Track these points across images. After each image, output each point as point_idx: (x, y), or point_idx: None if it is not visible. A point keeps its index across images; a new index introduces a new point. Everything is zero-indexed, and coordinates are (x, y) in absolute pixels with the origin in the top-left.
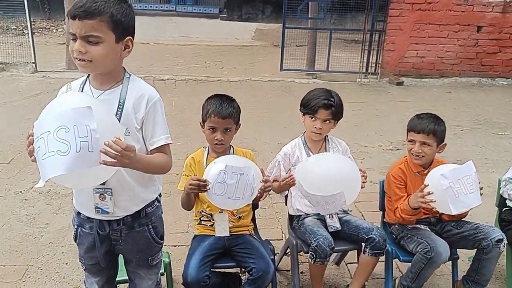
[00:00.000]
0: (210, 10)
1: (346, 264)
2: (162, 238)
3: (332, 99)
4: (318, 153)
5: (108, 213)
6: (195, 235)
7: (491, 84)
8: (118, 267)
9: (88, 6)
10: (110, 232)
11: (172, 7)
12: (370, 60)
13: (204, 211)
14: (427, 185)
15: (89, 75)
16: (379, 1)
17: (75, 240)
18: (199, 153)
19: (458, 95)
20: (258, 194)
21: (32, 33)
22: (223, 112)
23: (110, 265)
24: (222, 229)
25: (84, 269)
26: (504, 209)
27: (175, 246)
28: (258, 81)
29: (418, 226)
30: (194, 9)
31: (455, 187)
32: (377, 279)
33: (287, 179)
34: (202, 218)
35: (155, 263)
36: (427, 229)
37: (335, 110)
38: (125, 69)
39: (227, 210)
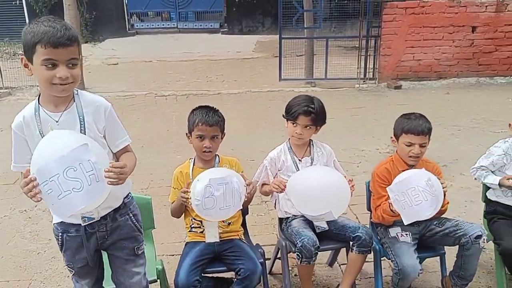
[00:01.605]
0: (211, 25)
1: (339, 265)
2: (141, 227)
3: (313, 106)
4: (303, 157)
5: (93, 219)
6: (186, 242)
7: (489, 83)
8: (104, 268)
9: (69, 34)
10: (97, 229)
11: (174, 24)
12: (368, 66)
13: (194, 218)
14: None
15: (38, 102)
16: (373, 7)
17: (61, 249)
18: (185, 165)
19: (456, 96)
20: (246, 199)
21: None
22: (210, 120)
23: (97, 264)
24: (212, 235)
25: (73, 274)
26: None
27: (173, 255)
28: (257, 92)
29: (397, 236)
30: (195, 25)
31: (400, 199)
32: (370, 278)
33: (278, 184)
34: (192, 226)
35: (140, 252)
36: (405, 241)
37: (315, 116)
38: None
39: None
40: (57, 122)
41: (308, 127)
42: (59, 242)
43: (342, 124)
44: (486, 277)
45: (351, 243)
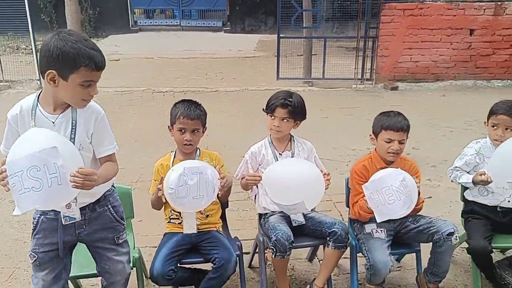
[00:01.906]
0: (214, 24)
1: (319, 261)
2: (122, 219)
3: (290, 99)
4: (283, 152)
5: (75, 219)
6: (165, 233)
7: (486, 86)
8: (70, 267)
9: (104, 58)
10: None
11: (177, 22)
12: (365, 67)
13: (173, 210)
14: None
15: (38, 99)
16: (371, 8)
17: (33, 232)
18: (166, 158)
19: (452, 98)
20: (220, 192)
21: (37, 52)
22: (191, 114)
23: (64, 257)
24: (189, 227)
25: (34, 261)
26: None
27: (155, 247)
28: (254, 90)
29: (372, 232)
30: (198, 23)
31: (374, 197)
32: (347, 274)
33: (253, 176)
34: (171, 217)
35: (121, 242)
36: (379, 238)
37: (292, 109)
38: None
39: None
40: (53, 123)
41: (285, 120)
42: (34, 224)
43: (335, 123)
44: (463, 275)
45: (327, 238)
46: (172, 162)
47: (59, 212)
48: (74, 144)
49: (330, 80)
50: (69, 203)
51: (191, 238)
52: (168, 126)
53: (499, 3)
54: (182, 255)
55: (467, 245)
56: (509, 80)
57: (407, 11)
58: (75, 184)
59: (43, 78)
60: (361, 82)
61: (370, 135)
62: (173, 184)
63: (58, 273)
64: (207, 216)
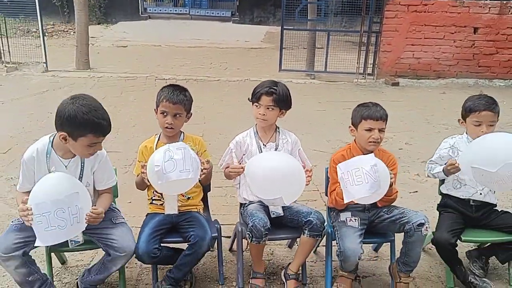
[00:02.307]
0: (223, 14)
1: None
2: (117, 209)
3: (275, 88)
4: (268, 143)
5: (79, 242)
6: (147, 213)
7: (488, 85)
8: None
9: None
10: None
11: (186, 11)
12: (368, 61)
13: (156, 191)
14: None
15: (52, 144)
16: (375, 3)
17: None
18: (151, 140)
19: (452, 96)
20: (202, 175)
21: (44, 35)
22: (174, 98)
23: None
24: (171, 208)
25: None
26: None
27: None
28: (256, 81)
29: (346, 220)
30: (207, 13)
31: (344, 178)
32: (324, 261)
33: (235, 168)
34: (153, 198)
35: (118, 222)
36: (352, 226)
37: (278, 97)
38: None
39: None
40: (66, 166)
41: (270, 108)
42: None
43: (332, 116)
44: (438, 267)
45: (303, 227)
46: (156, 145)
47: None
48: (81, 182)
49: (332, 74)
50: None
51: (172, 218)
52: (154, 109)
53: (504, 1)
54: (164, 234)
55: None
56: (511, 80)
57: (411, 7)
58: (88, 221)
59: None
60: (363, 76)
61: (350, 126)
62: (159, 161)
63: (26, 244)
64: (188, 198)
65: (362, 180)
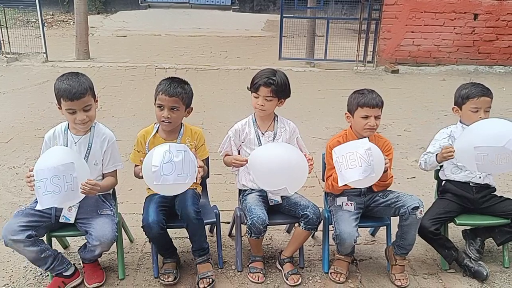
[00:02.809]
0: (223, 2)
1: None
2: (108, 200)
3: (274, 78)
4: (266, 131)
5: (70, 220)
6: (146, 196)
7: (488, 71)
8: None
9: (81, 89)
10: None
11: (186, 0)
12: (368, 49)
13: None
14: None
15: (68, 127)
16: None
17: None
18: (149, 130)
19: (452, 83)
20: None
21: (43, 25)
22: (170, 91)
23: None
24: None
25: (18, 210)
26: (443, 182)
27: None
28: (256, 69)
29: (342, 205)
30: (207, 1)
31: (339, 161)
32: (320, 246)
33: (239, 161)
34: None
35: (103, 214)
36: (348, 210)
37: (276, 88)
38: None
39: None
40: (75, 143)
41: (269, 99)
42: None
43: (331, 104)
44: (433, 251)
45: (299, 219)
46: (153, 137)
47: None
48: (88, 159)
49: (332, 62)
50: (71, 207)
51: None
52: (154, 103)
53: None
54: (167, 212)
55: None
56: (511, 66)
57: None
58: (83, 191)
59: None
60: (363, 64)
61: (346, 113)
62: (157, 161)
63: (29, 227)
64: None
65: (356, 164)
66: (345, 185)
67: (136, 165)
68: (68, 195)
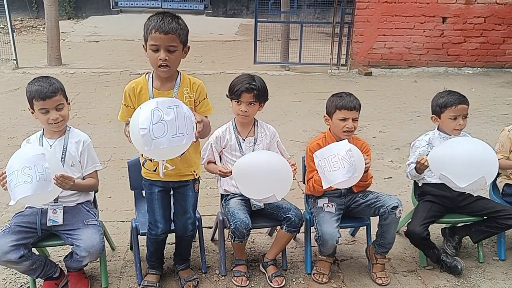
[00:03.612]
0: (196, 7)
1: None
2: (94, 208)
3: (254, 83)
4: (246, 137)
5: (58, 222)
6: (143, 178)
7: (457, 73)
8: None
9: (52, 89)
10: None
11: (158, 4)
12: (341, 52)
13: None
14: None
15: (43, 133)
16: None
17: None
18: (140, 81)
19: (423, 84)
20: (197, 134)
21: (13, 31)
22: (165, 27)
23: (30, 243)
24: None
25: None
26: (420, 183)
27: (123, 221)
28: (231, 73)
29: (323, 206)
30: (180, 6)
31: (322, 165)
32: (303, 247)
33: (223, 172)
34: (145, 160)
35: (89, 224)
36: (329, 211)
37: (258, 93)
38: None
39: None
40: (51, 146)
41: (252, 104)
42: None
43: (307, 107)
44: (412, 249)
45: (282, 222)
46: (152, 89)
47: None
48: (65, 160)
49: (307, 65)
50: (55, 210)
51: (169, 184)
52: (143, 45)
53: None
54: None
55: None
56: (479, 68)
57: None
58: (56, 181)
59: None
60: (337, 67)
61: (324, 116)
62: (145, 123)
63: (19, 245)
64: (182, 153)
65: (338, 166)
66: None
67: (126, 124)
68: (40, 185)
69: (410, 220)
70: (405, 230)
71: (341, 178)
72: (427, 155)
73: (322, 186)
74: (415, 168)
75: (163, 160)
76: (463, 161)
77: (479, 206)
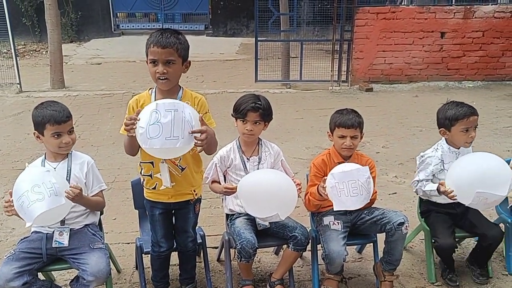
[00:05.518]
0: (196, 27)
1: None
2: (100, 231)
3: (260, 102)
4: (251, 156)
5: (64, 244)
6: (145, 199)
7: (457, 87)
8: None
9: (66, 114)
10: None
11: (160, 25)
12: (341, 69)
13: (144, 172)
14: (325, 179)
15: (45, 157)
16: (346, 12)
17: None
18: (143, 95)
19: (424, 99)
20: (198, 145)
21: (16, 55)
22: (163, 42)
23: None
24: (166, 180)
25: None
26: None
27: (128, 243)
28: (233, 92)
29: (330, 224)
30: (181, 27)
31: (339, 187)
32: (310, 266)
33: (228, 189)
34: (144, 175)
35: (96, 247)
36: (336, 229)
37: (263, 112)
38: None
39: (168, 160)
40: (55, 168)
41: (257, 123)
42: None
43: (309, 124)
44: (420, 265)
45: (288, 240)
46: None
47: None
48: (69, 183)
49: (308, 82)
50: (62, 232)
51: (169, 206)
52: (146, 61)
53: (468, 6)
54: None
55: (423, 237)
56: (479, 81)
57: (380, 14)
58: (67, 194)
59: None
60: (337, 84)
61: (328, 132)
62: (144, 122)
63: (23, 272)
64: (183, 169)
65: (357, 192)
66: (324, 199)
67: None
68: (53, 200)
69: (435, 235)
70: (434, 246)
71: (358, 205)
72: (440, 171)
73: (317, 200)
74: (437, 189)
75: (163, 162)
76: (492, 170)
77: (469, 222)
